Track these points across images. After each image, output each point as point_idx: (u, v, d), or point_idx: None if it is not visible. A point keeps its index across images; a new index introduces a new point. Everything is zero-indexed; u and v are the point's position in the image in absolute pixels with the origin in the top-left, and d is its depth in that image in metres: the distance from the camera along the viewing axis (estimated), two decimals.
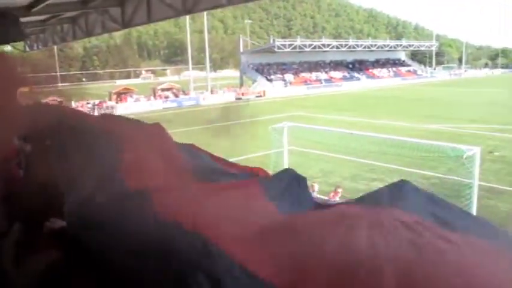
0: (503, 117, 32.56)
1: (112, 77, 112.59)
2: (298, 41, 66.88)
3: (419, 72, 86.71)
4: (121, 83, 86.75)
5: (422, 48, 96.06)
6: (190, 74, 63.03)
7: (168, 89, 51.83)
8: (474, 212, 11.62)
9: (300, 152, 20.16)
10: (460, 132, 27.08)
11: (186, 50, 63.33)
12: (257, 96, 54.15)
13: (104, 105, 42.64)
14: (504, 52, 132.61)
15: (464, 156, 11.29)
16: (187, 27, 58.85)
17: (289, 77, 64.23)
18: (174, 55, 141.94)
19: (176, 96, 49.93)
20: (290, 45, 64.89)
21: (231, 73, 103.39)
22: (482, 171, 15.25)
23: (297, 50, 65.45)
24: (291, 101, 48.54)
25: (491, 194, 15.29)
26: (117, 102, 45.24)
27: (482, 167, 15.62)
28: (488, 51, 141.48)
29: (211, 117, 35.68)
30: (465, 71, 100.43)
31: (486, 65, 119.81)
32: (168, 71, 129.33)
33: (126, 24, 13.10)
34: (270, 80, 61.32)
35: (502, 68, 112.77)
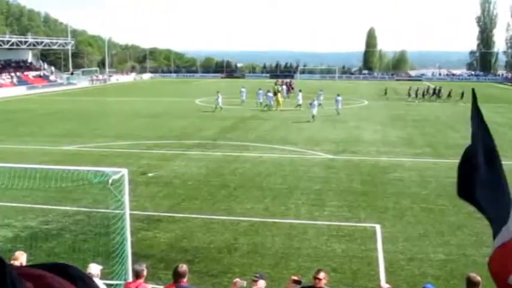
0: (153, 131, 35.83)
1: None
2: None
3: (52, 78, 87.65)
4: None
5: (56, 47, 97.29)
6: None
7: None
8: (129, 248, 11.95)
9: None
10: (106, 152, 28.38)
11: None
12: None
13: None
14: (153, 53, 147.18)
15: (110, 181, 11.62)
16: None
17: None
18: None
19: None
20: None
21: None
22: (135, 198, 16.26)
23: None
24: None
25: (148, 224, 16.40)
26: None
27: (135, 193, 16.67)
28: (135, 51, 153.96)
29: None
30: (110, 75, 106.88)
31: (134, 69, 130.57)
32: None
33: None
34: None
35: (151, 72, 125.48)
